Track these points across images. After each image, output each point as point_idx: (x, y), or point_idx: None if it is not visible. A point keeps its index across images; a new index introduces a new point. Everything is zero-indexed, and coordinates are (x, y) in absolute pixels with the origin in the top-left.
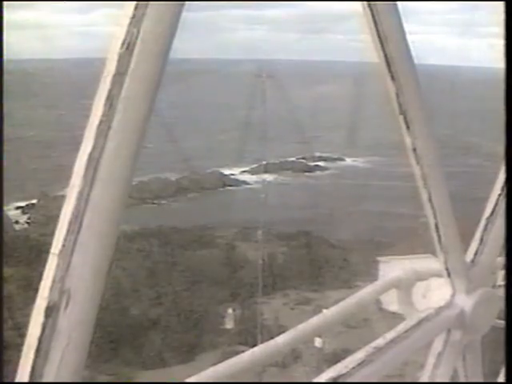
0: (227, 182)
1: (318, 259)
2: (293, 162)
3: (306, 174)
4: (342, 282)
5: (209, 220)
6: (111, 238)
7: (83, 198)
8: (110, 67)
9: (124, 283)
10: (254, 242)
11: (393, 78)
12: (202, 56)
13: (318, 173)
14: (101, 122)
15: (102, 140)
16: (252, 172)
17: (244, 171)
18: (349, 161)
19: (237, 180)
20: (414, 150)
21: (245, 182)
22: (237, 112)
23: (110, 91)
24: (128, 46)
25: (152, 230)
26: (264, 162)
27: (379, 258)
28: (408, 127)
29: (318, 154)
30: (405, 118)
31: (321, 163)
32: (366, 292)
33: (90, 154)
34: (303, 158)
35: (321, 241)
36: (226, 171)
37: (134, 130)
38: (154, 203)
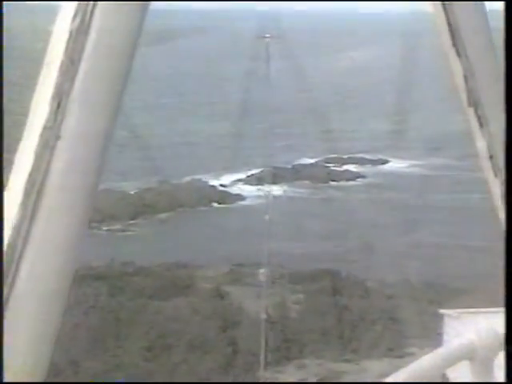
0: (213, 196)
1: (350, 312)
2: (311, 165)
3: (332, 184)
4: (387, 349)
5: (186, 254)
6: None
7: (20, 236)
8: (55, 51)
9: (55, 351)
10: (254, 287)
11: (459, 53)
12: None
13: (349, 183)
14: (44, 128)
15: (46, 154)
16: (250, 181)
17: (238, 180)
18: (395, 164)
19: (228, 193)
20: (491, 157)
21: (239, 197)
22: (230, 87)
23: (58, 86)
24: (82, 21)
25: (98, 271)
26: (268, 167)
27: (442, 312)
28: (481, 125)
29: (348, 155)
30: (476, 112)
31: (353, 167)
32: (423, 364)
33: (30, 175)
34: (327, 161)
35: (353, 285)
36: (212, 180)
37: (92, 140)
38: (101, 229)
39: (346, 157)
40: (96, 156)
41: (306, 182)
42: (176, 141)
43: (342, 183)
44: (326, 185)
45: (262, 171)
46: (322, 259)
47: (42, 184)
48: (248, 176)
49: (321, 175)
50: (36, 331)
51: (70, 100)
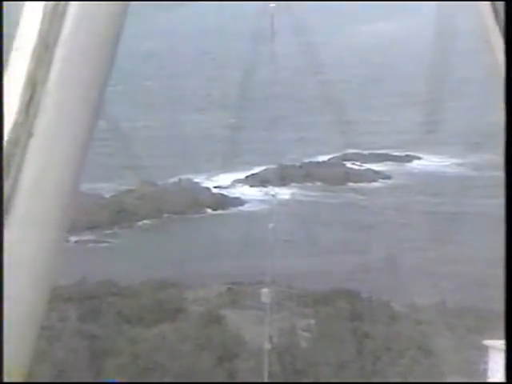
0: (207, 200)
1: (373, 341)
2: (326, 164)
3: (350, 185)
4: None
5: (174, 270)
6: None
7: None
8: (26, 34)
9: None
10: (256, 311)
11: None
12: None
13: (371, 185)
14: (15, 125)
15: (17, 154)
16: (252, 182)
17: (237, 181)
18: (427, 162)
19: (224, 197)
20: None
21: (238, 201)
22: (228, 69)
23: (31, 75)
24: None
25: (66, 291)
26: (273, 165)
27: (486, 343)
28: None
29: (370, 151)
30: None
31: (376, 166)
32: None
33: None
34: (344, 159)
35: (376, 308)
36: (206, 181)
37: (71, 139)
38: (69, 241)
39: (367, 153)
40: (75, 157)
41: (319, 183)
42: (162, 134)
43: (363, 185)
44: (344, 187)
45: (265, 170)
46: (337, 277)
47: (13, 189)
48: (249, 176)
49: (337, 175)
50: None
51: (45, 92)
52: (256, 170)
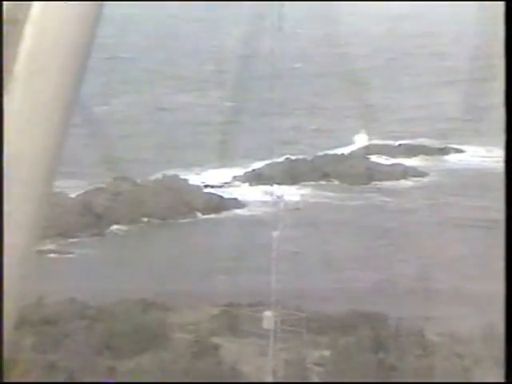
0: (197, 201)
1: (401, 376)
2: (345, 157)
3: (375, 185)
4: None
5: (155, 288)
6: None
7: None
8: None
9: None
10: (257, 339)
11: None
12: None
13: (400, 183)
14: None
15: None
16: (252, 180)
17: (234, 178)
18: (471, 155)
19: (218, 198)
20: None
21: (235, 203)
22: (226, 38)
23: None
24: None
25: (19, 314)
26: (279, 159)
27: None
28: None
29: (401, 142)
30: None
31: (408, 160)
32: None
33: None
34: (368, 151)
35: (406, 337)
36: (195, 178)
37: (43, 133)
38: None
39: (397, 144)
40: (47, 153)
41: (336, 181)
42: (142, 119)
43: (390, 184)
44: (366, 186)
45: (269, 165)
46: (358, 297)
47: None
48: (248, 172)
49: (358, 172)
50: None
51: (13, 79)
52: (258, 164)
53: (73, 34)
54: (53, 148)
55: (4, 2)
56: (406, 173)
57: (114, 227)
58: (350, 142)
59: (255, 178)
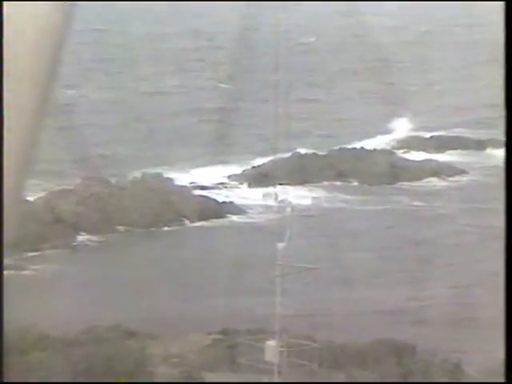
0: (185, 205)
1: None
2: (365, 152)
3: (402, 185)
4: None
5: (133, 312)
6: None
7: None
8: None
9: None
10: (257, 374)
11: None
12: None
13: (432, 184)
14: None
15: None
16: (251, 179)
17: (230, 177)
18: None
19: (211, 201)
20: None
21: (232, 208)
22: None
23: None
24: None
25: None
26: (285, 155)
27: None
28: None
29: (434, 133)
30: None
31: (441, 156)
32: None
33: None
34: (394, 146)
35: (440, 371)
36: (182, 176)
37: (14, 134)
38: None
39: (428, 136)
40: (19, 156)
41: (355, 182)
42: (119, 106)
43: (421, 184)
44: (392, 187)
45: (272, 162)
46: (381, 323)
47: None
48: (247, 170)
49: (382, 170)
50: None
51: None
52: (259, 161)
53: (42, 33)
54: (23, 158)
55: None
56: (440, 171)
57: (83, 238)
58: (372, 134)
59: (256, 178)
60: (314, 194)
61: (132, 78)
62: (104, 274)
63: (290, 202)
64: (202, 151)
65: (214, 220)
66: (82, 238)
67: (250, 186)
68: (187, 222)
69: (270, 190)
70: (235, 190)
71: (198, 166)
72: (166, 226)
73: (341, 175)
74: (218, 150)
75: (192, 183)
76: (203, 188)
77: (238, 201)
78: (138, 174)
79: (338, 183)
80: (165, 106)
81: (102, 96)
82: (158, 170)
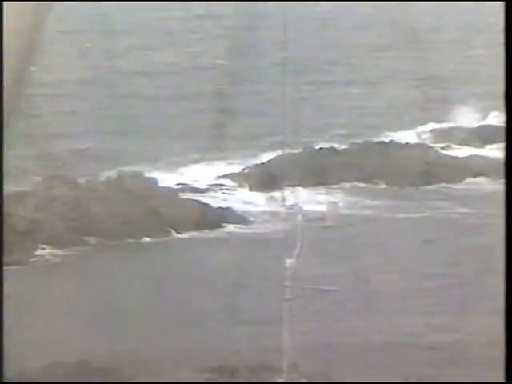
0: (171, 211)
1: None
2: (395, 146)
3: (441, 187)
4: None
5: (105, 346)
6: None
7: None
8: None
9: None
10: None
11: None
12: None
13: (481, 185)
14: None
15: None
16: (253, 181)
17: (227, 177)
18: None
19: (204, 207)
20: None
21: (229, 214)
22: None
23: None
24: None
25: None
26: (295, 150)
27: None
28: None
29: (481, 123)
30: None
31: (489, 149)
32: None
33: None
34: (431, 139)
35: None
36: (168, 176)
37: None
38: None
39: (473, 127)
40: None
41: (382, 184)
42: (92, 89)
43: (466, 187)
44: (430, 189)
45: (280, 158)
46: (415, 360)
47: None
48: (247, 169)
49: (416, 168)
50: None
51: None
52: (263, 157)
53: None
54: None
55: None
56: (489, 170)
57: (44, 252)
58: (404, 125)
59: (260, 178)
60: (332, 199)
61: (107, 53)
62: (68, 295)
63: (301, 209)
64: (193, 145)
65: (208, 231)
66: (42, 252)
67: (252, 188)
68: (174, 232)
69: (277, 193)
70: (234, 193)
71: (188, 163)
72: (147, 237)
73: (365, 175)
74: (213, 143)
75: (180, 184)
76: (194, 190)
77: (237, 206)
78: (111, 173)
79: (361, 185)
80: (148, 88)
81: (69, 76)
82: (137, 167)
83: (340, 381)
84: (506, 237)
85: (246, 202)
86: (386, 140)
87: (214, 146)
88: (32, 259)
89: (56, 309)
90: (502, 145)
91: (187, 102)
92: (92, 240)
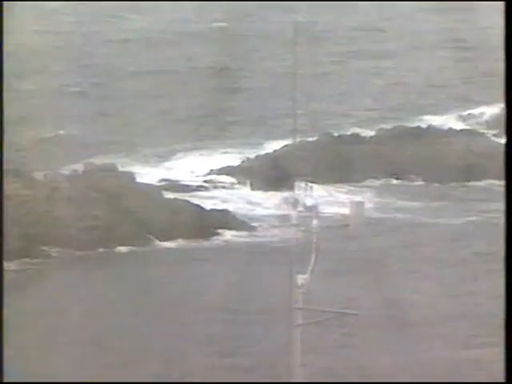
0: (151, 214)
1: None
2: (433, 133)
3: (497, 185)
4: None
5: None
6: None
7: None
8: None
9: None
10: None
11: None
12: None
13: None
14: None
15: None
16: (255, 175)
17: (222, 171)
18: None
19: (194, 209)
20: None
21: (227, 218)
22: None
23: None
24: None
25: None
26: (312, 136)
27: None
28: None
29: None
30: None
31: None
32: None
33: None
34: (479, 125)
35: None
36: (149, 170)
37: None
38: None
39: None
40: None
41: (419, 180)
42: (53, 63)
43: None
44: (477, 187)
45: (291, 148)
46: None
47: None
48: (251, 161)
49: (460, 161)
50: None
51: None
52: (269, 146)
53: None
54: None
55: None
56: None
57: None
58: (447, 106)
59: (264, 172)
60: (356, 199)
61: (75, 16)
62: (20, 321)
63: (317, 212)
64: (182, 131)
65: (199, 239)
66: None
67: (254, 185)
68: (156, 241)
69: (286, 192)
70: (233, 191)
71: (175, 153)
72: (121, 246)
73: (397, 169)
74: (206, 129)
75: (165, 181)
76: (182, 188)
77: (236, 208)
78: (77, 165)
79: (392, 182)
80: (128, 60)
81: (28, 43)
82: (110, 159)
83: None
84: (505, 237)
85: (247, 203)
86: (424, 125)
87: (207, 132)
88: None
89: (6, 332)
90: None
91: (171, 77)
92: (53, 251)
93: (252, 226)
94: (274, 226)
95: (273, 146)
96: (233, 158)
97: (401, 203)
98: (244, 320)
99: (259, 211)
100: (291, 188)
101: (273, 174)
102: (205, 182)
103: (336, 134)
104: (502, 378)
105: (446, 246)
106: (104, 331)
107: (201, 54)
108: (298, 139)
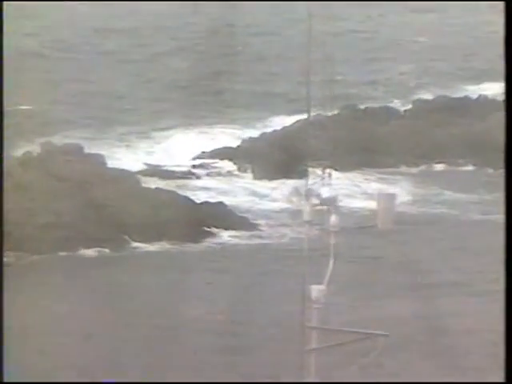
0: (128, 208)
1: None
2: (493, 106)
3: None
4: None
5: None
6: None
7: None
8: None
9: None
10: None
11: None
12: None
13: None
14: None
15: None
16: (258, 160)
17: (216, 154)
18: None
19: (186, 203)
20: None
21: (223, 214)
22: None
23: None
24: None
25: None
26: (329, 111)
27: None
28: None
29: None
30: None
31: None
32: None
33: None
34: None
35: None
36: (124, 152)
37: None
38: None
39: None
40: None
41: (469, 165)
42: (30, 42)
43: None
44: None
45: (301, 124)
46: None
47: None
48: (252, 141)
49: None
50: None
51: None
52: (274, 123)
53: None
54: None
55: None
56: None
57: None
58: (495, 73)
59: (269, 155)
60: (386, 190)
61: None
62: None
63: (337, 205)
64: (166, 103)
65: (187, 240)
66: None
67: (257, 171)
68: (132, 242)
69: (297, 180)
70: (230, 179)
71: (157, 132)
72: (87, 248)
73: (440, 151)
74: (198, 100)
75: (145, 165)
76: (167, 175)
77: (234, 201)
78: (33, 146)
79: (435, 167)
80: (108, 21)
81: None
82: (75, 138)
83: None
84: (505, 236)
85: (248, 195)
86: (472, 95)
87: (199, 104)
88: None
89: None
90: None
91: (159, 35)
92: (5, 253)
93: (254, 224)
94: (282, 224)
95: (281, 122)
96: (231, 137)
97: (444, 194)
98: (245, 345)
99: (263, 205)
100: (304, 175)
101: (281, 158)
102: (195, 167)
103: (361, 107)
104: None
105: (496, 242)
106: (72, 344)
107: (195, 18)
108: (313, 113)
